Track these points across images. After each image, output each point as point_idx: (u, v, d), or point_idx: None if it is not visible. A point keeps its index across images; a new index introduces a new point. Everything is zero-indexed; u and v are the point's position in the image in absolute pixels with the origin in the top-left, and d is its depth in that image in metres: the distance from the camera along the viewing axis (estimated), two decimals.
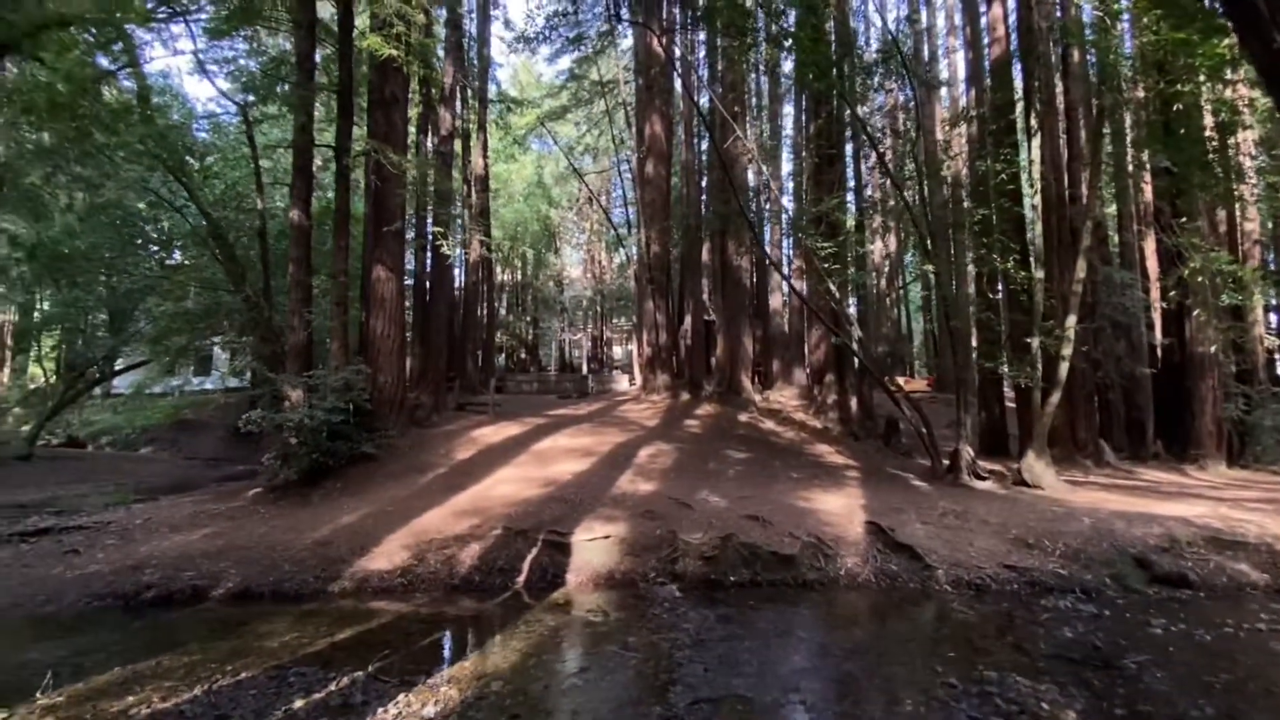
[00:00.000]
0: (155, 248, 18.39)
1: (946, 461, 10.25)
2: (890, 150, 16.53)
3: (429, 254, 15.27)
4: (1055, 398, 9.58)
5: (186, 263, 17.32)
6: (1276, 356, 16.32)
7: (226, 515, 8.30)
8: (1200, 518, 7.09)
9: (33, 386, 25.48)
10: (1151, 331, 14.82)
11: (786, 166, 22.93)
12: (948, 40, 26.72)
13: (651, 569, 6.27)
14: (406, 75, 11.44)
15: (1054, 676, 3.95)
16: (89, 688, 3.87)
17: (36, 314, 23.99)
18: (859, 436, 14.38)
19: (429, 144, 16.04)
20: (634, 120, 20.61)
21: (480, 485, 8.67)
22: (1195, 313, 11.63)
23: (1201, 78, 8.98)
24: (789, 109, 22.59)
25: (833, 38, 13.99)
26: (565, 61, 20.97)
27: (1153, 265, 15.08)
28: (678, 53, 17.08)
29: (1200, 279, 10.38)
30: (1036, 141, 11.32)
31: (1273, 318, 17.43)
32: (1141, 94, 11.74)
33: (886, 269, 29.03)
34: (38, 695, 3.71)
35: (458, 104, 17.14)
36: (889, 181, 11.62)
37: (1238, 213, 14.56)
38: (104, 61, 13.94)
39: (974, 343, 13.86)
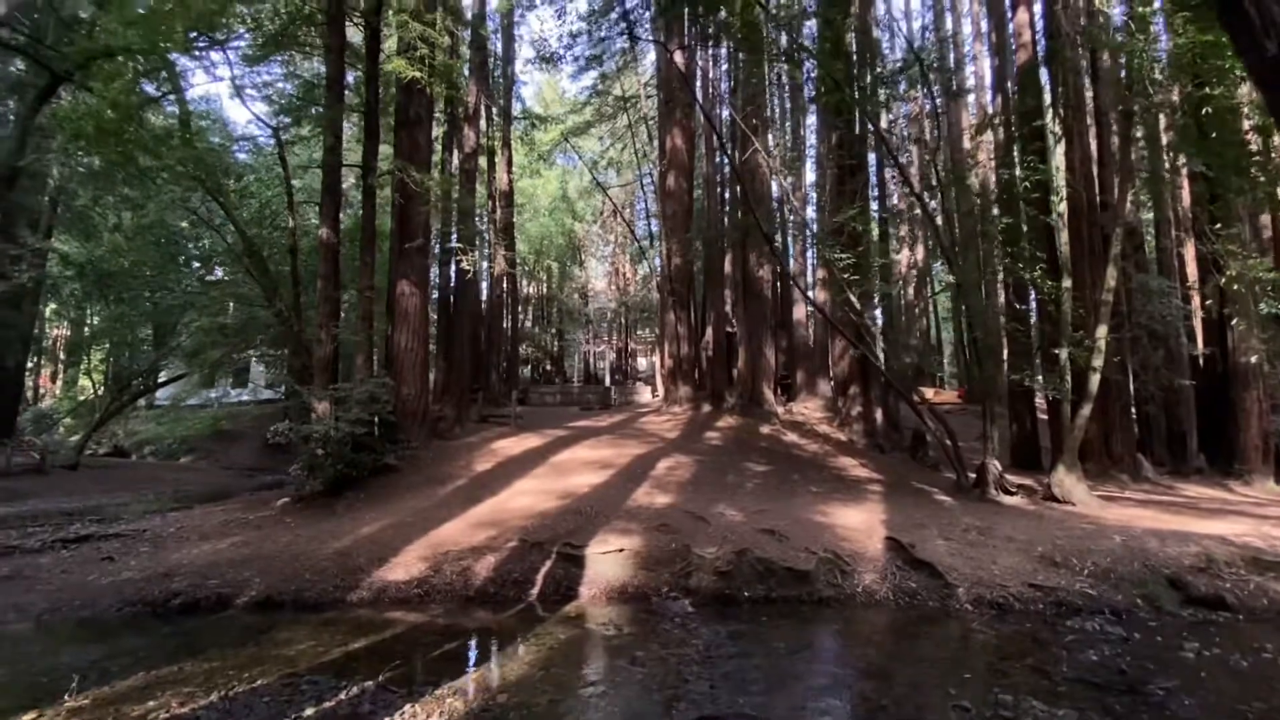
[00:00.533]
0: (197, 264, 19.16)
1: (973, 476, 10.00)
2: (915, 159, 16.38)
3: (453, 268, 15.56)
4: (1086, 410, 9.28)
5: (226, 279, 18.03)
6: None
7: (254, 524, 8.53)
8: (1240, 536, 6.78)
9: (81, 398, 26.62)
10: (1192, 341, 14.29)
11: (811, 175, 22.87)
12: (974, 45, 26.34)
13: (664, 583, 6.24)
14: (431, 96, 11.75)
15: (1074, 702, 3.81)
16: (113, 692, 4.02)
17: (87, 329, 25.17)
18: (884, 449, 14.11)
19: (454, 161, 16.40)
20: (656, 134, 20.79)
21: (498, 497, 8.76)
22: (1234, 322, 11.18)
23: (1235, 79, 8.71)
24: (812, 119, 22.56)
25: (854, 48, 13.99)
26: (588, 78, 21.25)
27: (1193, 272, 14.56)
28: (699, 67, 17.21)
29: (1236, 287, 9.97)
30: (1061, 148, 11.05)
31: None
32: (1176, 97, 11.43)
33: (914, 278, 28.60)
34: (65, 698, 3.87)
35: (482, 121, 17.54)
36: (907, 188, 11.46)
37: None
38: (149, 88, 14.69)
39: (1005, 354, 13.55)
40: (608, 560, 6.58)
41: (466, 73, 16.19)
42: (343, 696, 3.89)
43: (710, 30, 14.71)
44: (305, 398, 10.02)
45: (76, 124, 10.84)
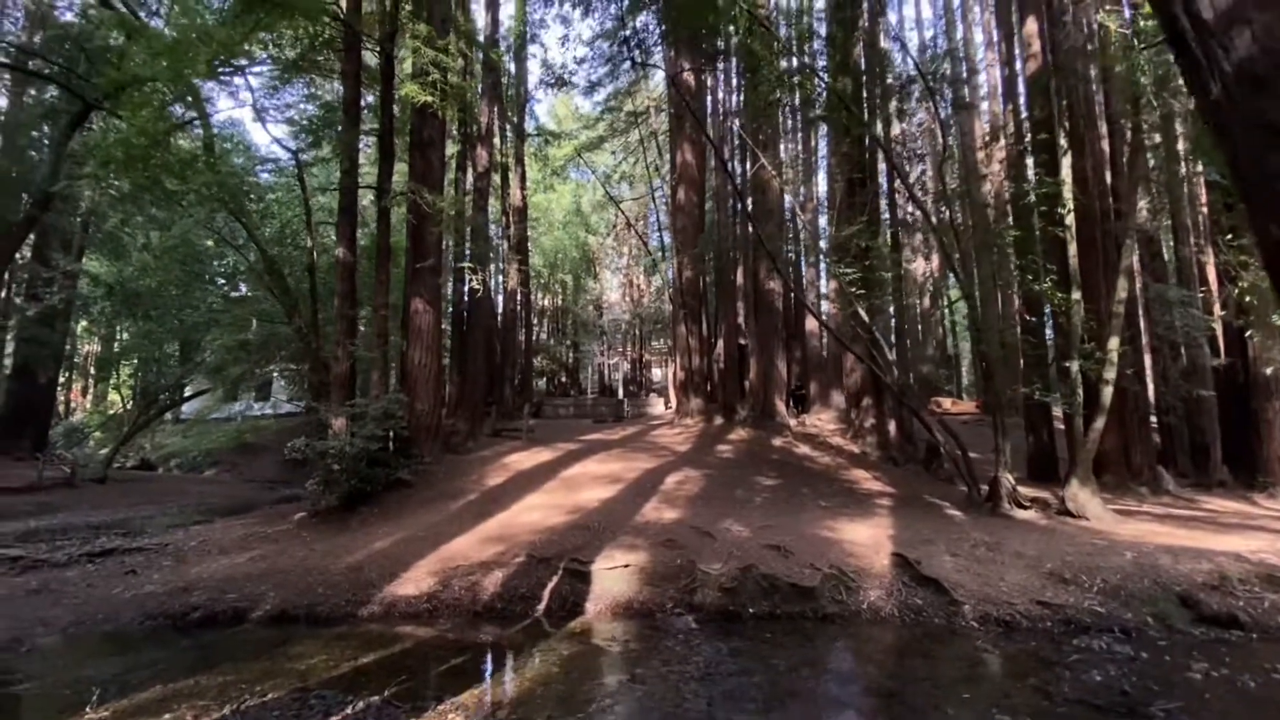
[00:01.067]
0: (222, 281, 19.72)
1: (985, 489, 9.91)
2: (929, 167, 16.35)
3: (466, 284, 15.83)
4: (1099, 423, 9.17)
5: (249, 295, 18.54)
6: None
7: (272, 539, 8.74)
8: (1256, 553, 6.66)
9: (111, 412, 27.37)
10: (1215, 351, 14.03)
11: (824, 185, 22.88)
12: (986, 54, 26.22)
13: (670, 599, 6.30)
14: (444, 119, 12.05)
15: None
16: (132, 704, 4.17)
17: (116, 345, 25.96)
18: (898, 462, 14.01)
19: (468, 179, 16.73)
20: (667, 148, 21.00)
21: (508, 512, 8.88)
22: (1249, 333, 10.98)
23: None
24: (824, 127, 22.59)
25: (863, 62, 14.08)
26: (600, 94, 21.56)
27: (1215, 281, 14.33)
28: (708, 83, 17.38)
29: (1248, 299, 9.80)
30: (1068, 160, 10.99)
31: None
32: (1193, 105, 11.32)
33: (929, 288, 28.40)
34: (86, 710, 4.03)
35: (496, 140, 17.87)
36: (914, 205, 11.47)
37: None
38: (176, 110, 15.22)
39: (1020, 365, 13.42)
40: (614, 576, 6.65)
41: (479, 92, 16.54)
42: (349, 711, 4.00)
43: (717, 51, 14.93)
44: (322, 414, 10.26)
45: (106, 151, 11.28)
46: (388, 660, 5.06)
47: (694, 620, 5.91)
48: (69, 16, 18.11)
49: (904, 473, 12.95)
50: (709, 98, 19.43)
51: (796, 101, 21.17)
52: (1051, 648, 5.21)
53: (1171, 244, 16.03)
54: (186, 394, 23.02)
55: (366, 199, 16.45)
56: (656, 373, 37.95)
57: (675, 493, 9.81)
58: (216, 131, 17.69)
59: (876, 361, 10.71)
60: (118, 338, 26.16)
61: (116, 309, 19.30)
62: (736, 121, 19.36)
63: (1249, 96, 1.67)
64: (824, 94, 11.79)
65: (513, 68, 20.93)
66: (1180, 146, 13.64)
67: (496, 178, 19.25)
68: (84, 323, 25.39)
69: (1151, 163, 13.86)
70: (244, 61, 13.87)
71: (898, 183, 17.35)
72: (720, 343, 18.11)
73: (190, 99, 14.05)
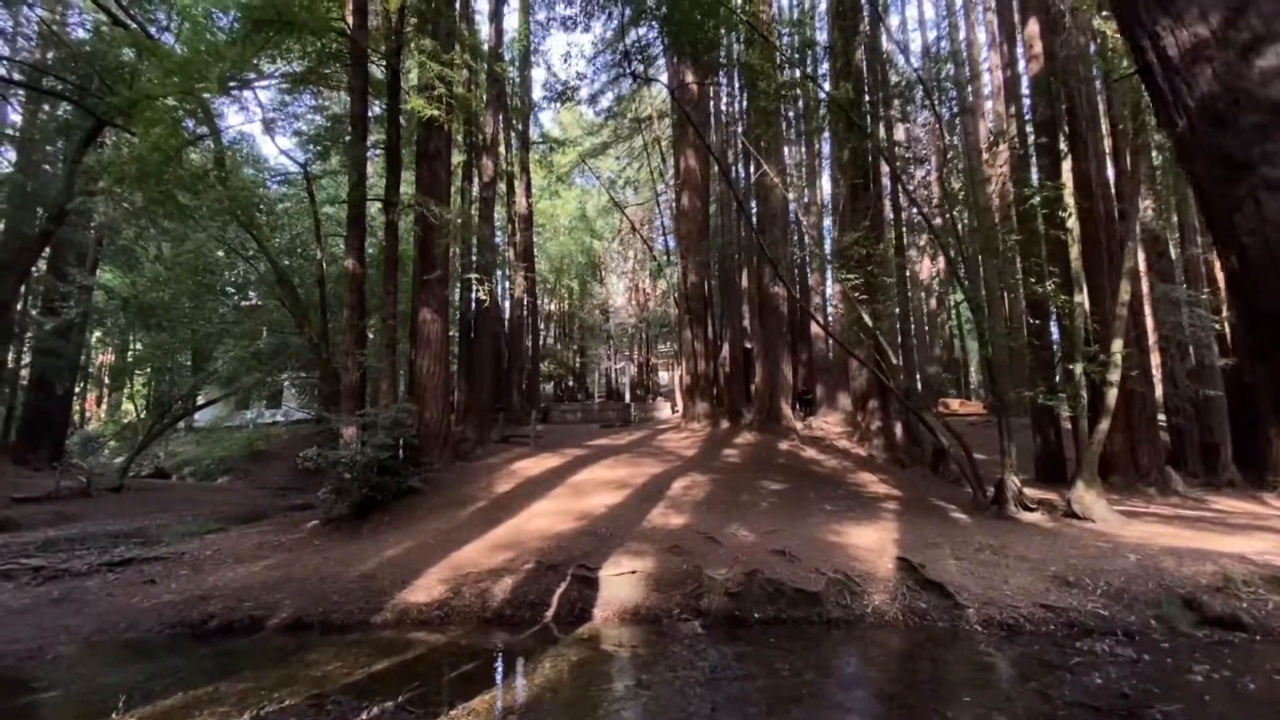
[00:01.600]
0: (232, 290, 20.01)
1: (991, 491, 9.94)
2: (930, 170, 16.39)
3: (473, 293, 16.00)
4: (1104, 425, 9.19)
5: (260, 304, 18.81)
6: None
7: (286, 547, 8.90)
8: (1262, 554, 6.68)
9: (125, 421, 27.76)
10: (1224, 351, 13.98)
11: (828, 189, 22.95)
12: (990, 54, 26.20)
13: (676, 605, 6.39)
14: (449, 131, 12.22)
15: None
16: (156, 711, 4.32)
17: (130, 355, 26.34)
18: (905, 464, 14.02)
19: (474, 189, 16.91)
20: (670, 153, 21.12)
21: (517, 519, 9.00)
22: None
23: None
24: (828, 131, 22.67)
25: (864, 66, 14.16)
26: (604, 101, 21.73)
27: (1222, 281, 14.29)
28: (710, 90, 17.49)
29: None
30: (1068, 164, 11.03)
31: None
32: None
33: (936, 289, 28.35)
34: (113, 716, 4.17)
35: (501, 148, 18.06)
36: (915, 208, 11.54)
37: None
38: (188, 124, 15.50)
39: (1026, 367, 13.43)
40: (621, 582, 6.75)
41: (484, 102, 16.73)
42: (365, 716, 4.12)
43: (718, 64, 15.06)
44: (333, 423, 10.43)
45: (120, 167, 11.54)
46: (401, 666, 5.18)
47: (700, 625, 6.00)
48: (80, 34, 18.50)
49: (910, 475, 12.96)
50: (711, 104, 19.54)
51: (800, 107, 21.34)
52: (1054, 651, 5.25)
53: (1178, 243, 16.00)
54: (199, 402, 23.36)
55: (375, 208, 16.74)
56: (663, 376, 38.05)
57: (681, 498, 9.90)
58: (227, 144, 18.00)
59: (880, 366, 10.76)
60: (131, 348, 26.55)
61: (130, 321, 19.62)
62: (740, 126, 19.48)
63: (1210, 131, 1.76)
64: (825, 102, 11.85)
65: (517, 75, 21.16)
66: None
67: (502, 186, 19.45)
68: (98, 333, 25.78)
69: (1157, 160, 13.86)
70: (253, 76, 14.15)
71: (902, 185, 17.47)
72: (726, 347, 18.19)
73: (201, 114, 14.30)
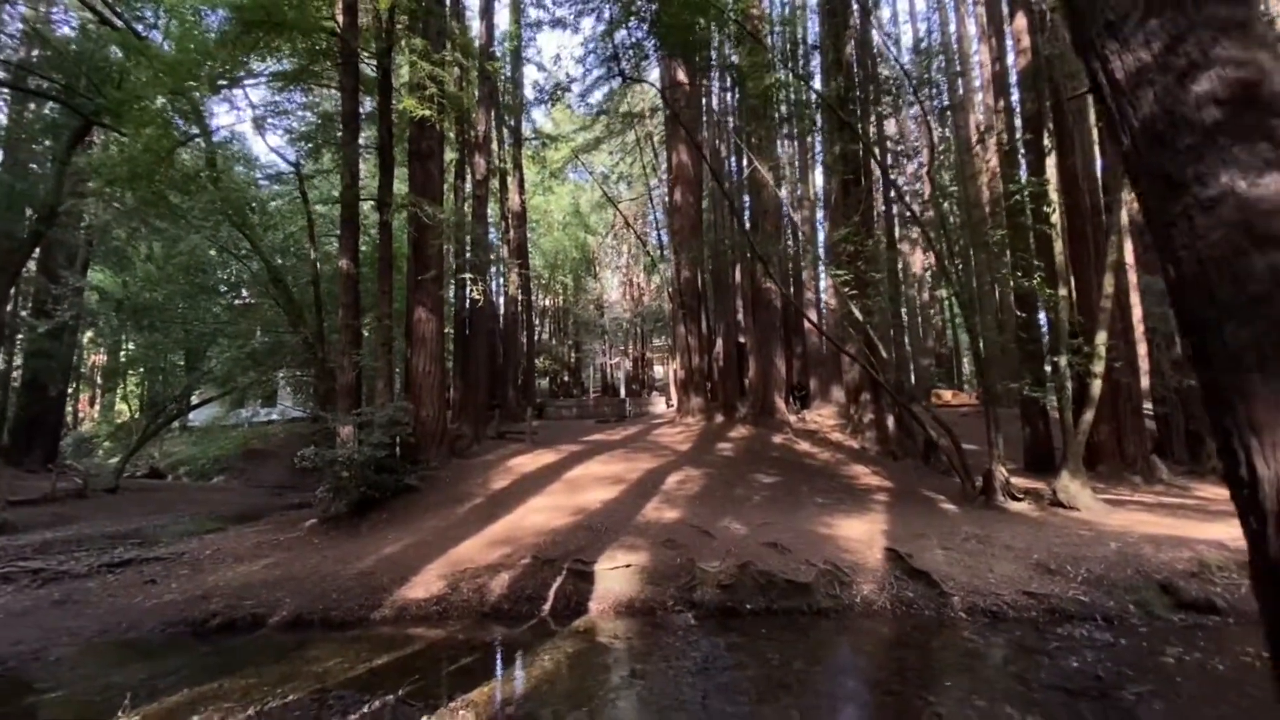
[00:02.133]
0: (225, 289, 19.99)
1: (980, 481, 10.12)
2: (922, 162, 16.52)
3: (468, 291, 16.07)
4: (1088, 416, 9.38)
5: (253, 302, 18.82)
6: None
7: (284, 546, 9.01)
8: (1237, 540, 6.78)
9: (119, 422, 27.72)
10: None
11: (820, 182, 23.05)
12: (980, 46, 26.31)
13: (670, 597, 6.54)
14: (441, 130, 12.26)
15: (1046, 708, 4.03)
16: (161, 708, 4.44)
17: (123, 355, 26.26)
18: (897, 456, 14.21)
19: (467, 186, 16.94)
20: (663, 148, 21.18)
21: (513, 515, 9.13)
22: None
23: None
24: (820, 123, 22.74)
25: (854, 59, 14.26)
26: (596, 96, 21.72)
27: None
28: (701, 85, 17.54)
29: None
30: (1053, 159, 11.17)
31: None
32: None
33: (929, 281, 28.53)
34: (119, 715, 4.29)
35: (494, 145, 18.07)
36: (903, 204, 11.67)
37: None
38: (178, 123, 15.46)
39: (1017, 359, 13.61)
40: (616, 576, 6.89)
41: (476, 99, 16.73)
42: (366, 710, 4.26)
43: (709, 63, 15.11)
44: (330, 422, 10.52)
45: (111, 169, 11.55)
46: (401, 661, 5.31)
47: (693, 617, 6.15)
48: (66, 31, 18.36)
49: (902, 467, 13.15)
50: (704, 99, 19.57)
51: (791, 104, 21.43)
52: (1035, 636, 5.43)
53: None
54: (194, 402, 23.34)
55: (369, 207, 16.77)
56: (659, 371, 38.19)
57: (676, 492, 10.04)
58: (218, 142, 17.96)
59: (871, 361, 10.92)
60: (124, 348, 26.49)
61: (123, 321, 19.59)
62: (733, 119, 19.54)
63: (1151, 151, 1.88)
64: (814, 99, 11.96)
65: (509, 70, 21.14)
66: None
67: (495, 183, 19.46)
68: (90, 334, 25.71)
69: None
70: (243, 74, 14.13)
71: (892, 179, 17.59)
72: (719, 341, 18.33)
73: (192, 114, 14.28)
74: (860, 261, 10.66)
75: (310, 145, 16.53)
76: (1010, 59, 15.26)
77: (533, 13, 16.44)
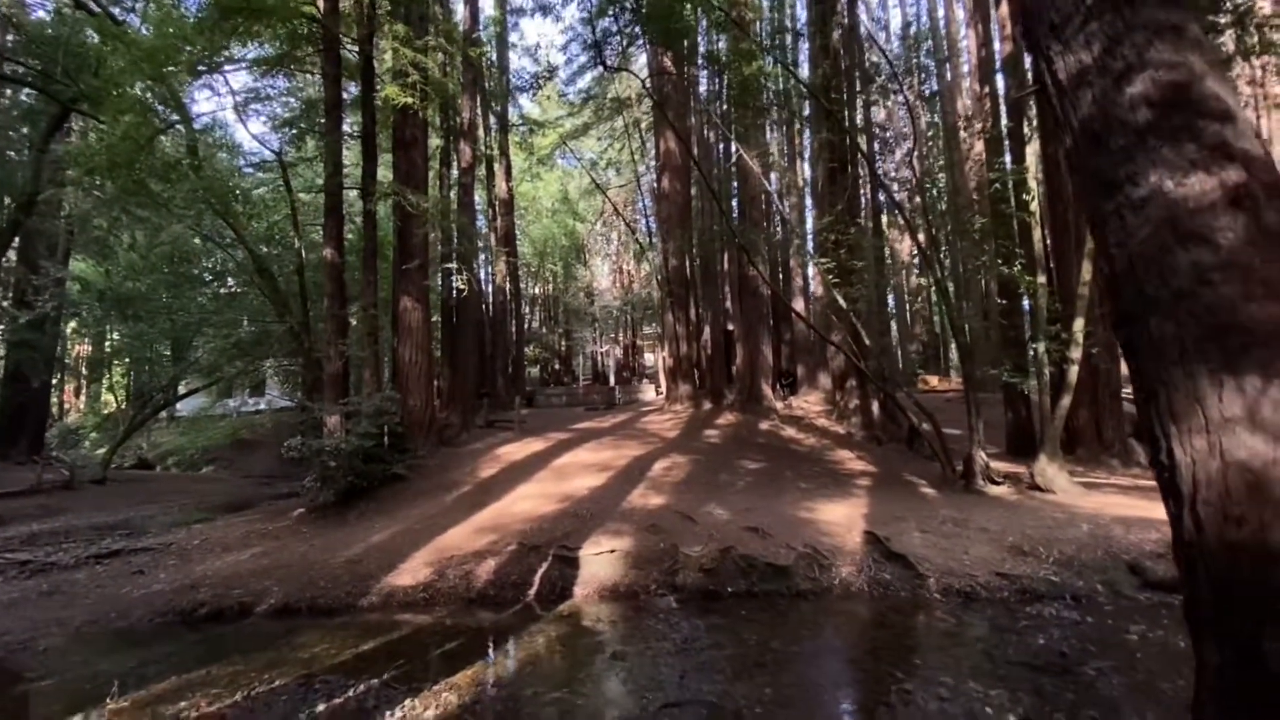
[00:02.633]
0: (210, 278, 19.82)
1: (960, 466, 10.30)
2: (911, 147, 16.60)
3: (454, 281, 16.04)
4: (1066, 401, 9.56)
5: (239, 291, 18.69)
6: None
7: (272, 535, 9.07)
8: None
9: (105, 412, 27.52)
10: None
11: (809, 169, 23.07)
12: (968, 31, 26.29)
13: (653, 581, 6.66)
14: (425, 118, 12.17)
15: (1011, 683, 4.18)
16: (150, 695, 4.51)
17: (107, 345, 26.03)
18: (881, 441, 14.40)
19: (453, 174, 16.84)
20: (651, 135, 21.09)
21: (500, 502, 9.23)
22: None
23: None
24: (807, 109, 22.71)
25: (841, 48, 14.25)
26: (582, 82, 21.60)
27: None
28: (687, 73, 17.45)
29: None
30: (1033, 146, 11.26)
31: None
32: None
33: (916, 268, 28.71)
34: (107, 701, 4.37)
35: (480, 132, 17.93)
36: (887, 193, 11.74)
37: None
38: (159, 108, 15.23)
39: (1000, 345, 13.78)
40: (600, 561, 7.00)
41: (461, 85, 16.58)
42: (351, 694, 4.36)
43: (696, 49, 15.06)
44: (317, 412, 10.54)
45: (90, 158, 11.40)
46: (387, 646, 5.40)
47: (675, 600, 6.28)
48: (41, 15, 17.98)
49: (886, 452, 13.34)
50: (691, 87, 19.47)
51: (777, 91, 21.36)
52: (1006, 616, 5.60)
53: None
54: (180, 392, 23.20)
55: (353, 195, 16.64)
56: (649, 358, 38.29)
57: (662, 479, 10.17)
58: (200, 129, 17.71)
59: (851, 347, 11.04)
60: (108, 338, 26.23)
61: (106, 311, 19.41)
62: (720, 105, 19.47)
63: (1089, 151, 1.96)
64: (797, 86, 11.97)
65: (495, 55, 20.91)
66: None
67: (481, 170, 19.35)
68: (73, 324, 25.45)
69: None
70: (223, 59, 13.92)
71: (879, 166, 17.64)
72: (707, 329, 18.41)
73: (172, 101, 14.08)
74: (843, 250, 10.74)
75: (293, 132, 16.37)
76: (996, 45, 15.29)
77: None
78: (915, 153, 10.27)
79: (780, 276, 20.93)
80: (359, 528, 8.91)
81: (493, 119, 20.82)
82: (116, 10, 15.66)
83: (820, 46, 14.08)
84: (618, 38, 11.13)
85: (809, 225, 19.38)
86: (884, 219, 20.13)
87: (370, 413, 10.12)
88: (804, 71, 15.65)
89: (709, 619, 5.75)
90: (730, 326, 20.72)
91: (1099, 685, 4.14)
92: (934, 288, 25.64)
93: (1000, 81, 14.70)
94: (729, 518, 8.07)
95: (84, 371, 31.61)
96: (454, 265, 13.26)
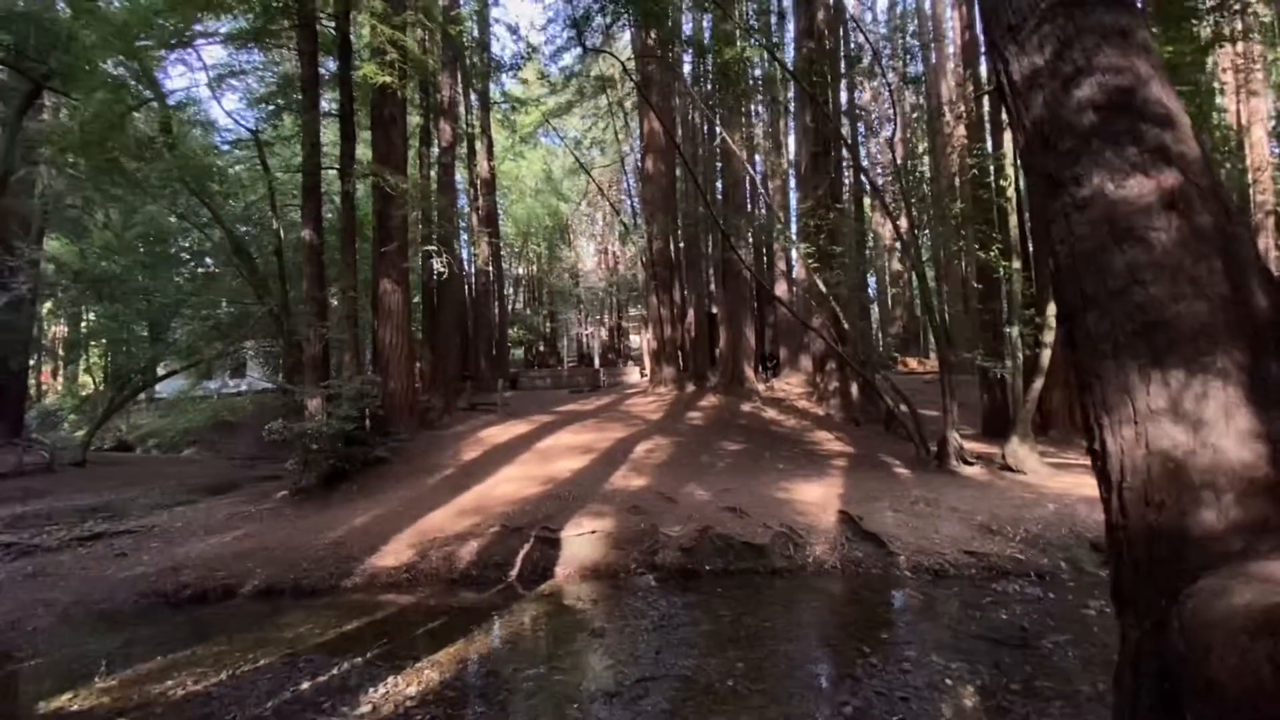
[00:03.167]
0: (187, 257, 19.47)
1: (935, 447, 10.55)
2: (896, 130, 16.66)
3: (434, 263, 15.93)
4: (1038, 384, 9.80)
5: (216, 272, 18.39)
6: None
7: (255, 518, 9.10)
8: None
9: (84, 394, 27.11)
10: None
11: (794, 151, 23.04)
12: (953, 14, 26.20)
13: (633, 561, 6.81)
14: (404, 97, 11.98)
15: (970, 656, 4.38)
16: (136, 674, 4.59)
17: (84, 326, 25.55)
18: (860, 422, 14.66)
19: (433, 153, 16.62)
20: (636, 116, 20.90)
21: (483, 485, 9.31)
22: None
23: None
24: (792, 90, 22.61)
25: (825, 30, 14.18)
26: (565, 59, 21.22)
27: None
28: (671, 55, 17.26)
29: None
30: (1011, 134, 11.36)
31: None
32: None
33: (899, 251, 28.89)
34: (96, 680, 4.44)
35: (460, 110, 17.67)
36: (866, 178, 11.81)
37: (1251, 190, 14.52)
38: (133, 84, 14.80)
39: (977, 328, 14.01)
40: (582, 542, 7.14)
41: (440, 62, 16.29)
42: (335, 672, 4.46)
43: (680, 35, 14.92)
44: (297, 396, 10.51)
45: (62, 137, 11.13)
46: (370, 626, 5.51)
47: (654, 579, 6.44)
48: None
49: (864, 433, 13.59)
50: (675, 67, 19.28)
51: (759, 75, 21.23)
52: (972, 592, 5.82)
53: None
54: (159, 374, 22.89)
55: (332, 173, 16.35)
56: (634, 340, 38.32)
57: (644, 461, 10.30)
58: (174, 105, 17.25)
59: (834, 333, 11.18)
60: (84, 319, 25.74)
61: (82, 292, 19.03)
62: (705, 86, 19.32)
63: (1038, 150, 2.05)
64: (779, 69, 11.94)
65: (475, 32, 20.51)
66: None
67: (462, 149, 19.10)
68: (49, 305, 24.91)
69: None
70: (195, 33, 13.54)
71: (863, 149, 17.70)
72: (691, 312, 18.49)
73: (145, 77, 13.71)
74: (823, 235, 10.82)
75: (270, 109, 16.00)
76: (979, 27, 15.27)
77: None
78: (897, 136, 10.30)
79: (764, 260, 21.01)
80: (342, 510, 8.96)
81: (474, 97, 20.51)
82: None
83: (805, 28, 14.02)
84: (601, 15, 10.96)
85: (793, 208, 19.45)
86: (866, 203, 20.26)
87: (351, 395, 10.11)
88: (789, 54, 15.59)
89: (686, 597, 5.92)
90: (714, 309, 20.81)
91: (1055, 658, 4.35)
92: (928, 263, 25.91)
93: (984, 66, 14.77)
94: (709, 498, 8.23)
95: (60, 353, 31.04)
96: (434, 247, 13.16)
